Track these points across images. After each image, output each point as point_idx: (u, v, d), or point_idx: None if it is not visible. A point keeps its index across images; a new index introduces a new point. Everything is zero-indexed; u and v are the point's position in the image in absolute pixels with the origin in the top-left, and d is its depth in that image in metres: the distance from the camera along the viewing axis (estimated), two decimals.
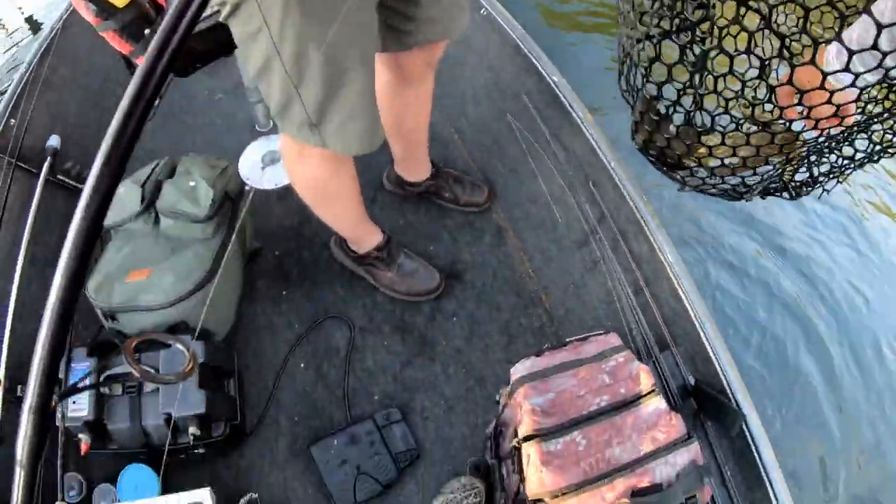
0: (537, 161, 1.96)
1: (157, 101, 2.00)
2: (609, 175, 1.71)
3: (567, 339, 1.32)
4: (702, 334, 1.42)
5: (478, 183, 2.06)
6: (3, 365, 1.44)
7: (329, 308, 1.86)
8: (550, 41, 2.22)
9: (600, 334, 1.31)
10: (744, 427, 1.29)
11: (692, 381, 1.40)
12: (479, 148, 2.19)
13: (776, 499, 1.24)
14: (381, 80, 1.57)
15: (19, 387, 1.46)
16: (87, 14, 1.52)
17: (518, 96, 2.04)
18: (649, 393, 1.19)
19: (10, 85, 1.94)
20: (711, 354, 1.38)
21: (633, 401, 1.18)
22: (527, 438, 1.14)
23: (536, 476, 1.09)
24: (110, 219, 1.61)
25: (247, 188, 1.92)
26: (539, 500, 1.10)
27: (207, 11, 1.59)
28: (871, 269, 2.58)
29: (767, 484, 1.25)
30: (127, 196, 1.62)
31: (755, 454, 1.28)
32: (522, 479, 1.14)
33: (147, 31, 1.58)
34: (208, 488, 1.24)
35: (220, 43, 1.71)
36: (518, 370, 1.25)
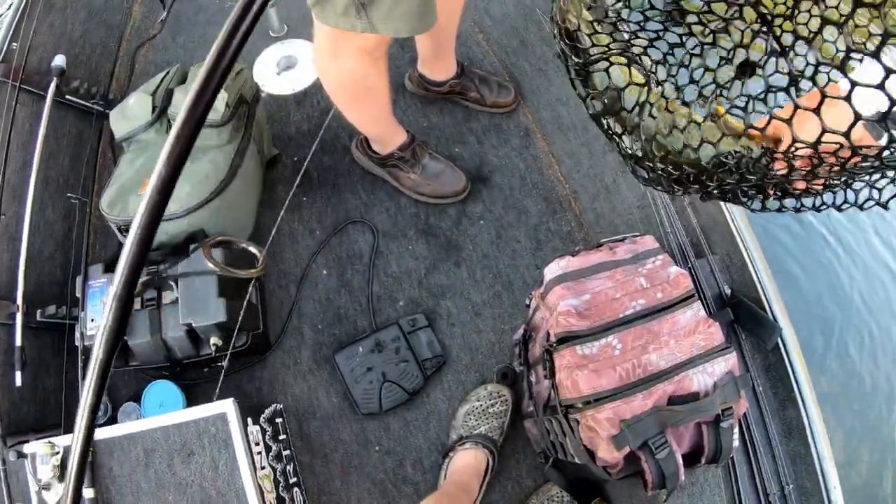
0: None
1: (165, 14, 1.88)
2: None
3: (602, 240, 1.25)
4: (740, 243, 1.35)
5: (504, 83, 1.95)
6: (21, 291, 1.41)
7: (351, 213, 1.80)
8: None
9: (637, 236, 1.24)
10: (779, 342, 1.24)
11: (728, 290, 1.34)
12: (505, 47, 2.06)
13: (807, 417, 1.20)
14: None
15: (38, 311, 1.45)
16: None
17: None
18: (687, 298, 1.12)
19: (10, 8, 1.84)
20: (749, 264, 1.32)
21: (670, 306, 1.12)
22: (560, 341, 1.09)
23: (570, 380, 1.05)
24: (122, 131, 1.55)
25: (263, 93, 1.83)
26: (571, 406, 1.06)
27: None
28: None
29: (800, 402, 1.22)
30: (138, 106, 1.55)
31: (789, 370, 1.24)
32: (554, 386, 1.11)
33: None
34: (231, 399, 1.22)
35: None
36: (552, 270, 1.19)
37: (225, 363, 1.32)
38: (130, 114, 1.55)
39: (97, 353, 0.45)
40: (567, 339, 1.08)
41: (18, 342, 1.36)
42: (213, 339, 1.30)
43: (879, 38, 0.56)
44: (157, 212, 0.43)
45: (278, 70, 2.03)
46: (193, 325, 1.32)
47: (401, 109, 1.97)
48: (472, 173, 1.85)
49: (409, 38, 1.88)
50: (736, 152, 0.76)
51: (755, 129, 0.72)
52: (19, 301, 1.41)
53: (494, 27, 2.11)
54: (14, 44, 1.73)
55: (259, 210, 1.76)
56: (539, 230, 1.77)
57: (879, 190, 0.78)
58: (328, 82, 1.49)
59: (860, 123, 0.57)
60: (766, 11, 0.72)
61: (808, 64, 0.73)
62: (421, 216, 1.80)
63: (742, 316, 1.32)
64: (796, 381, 1.22)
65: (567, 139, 1.85)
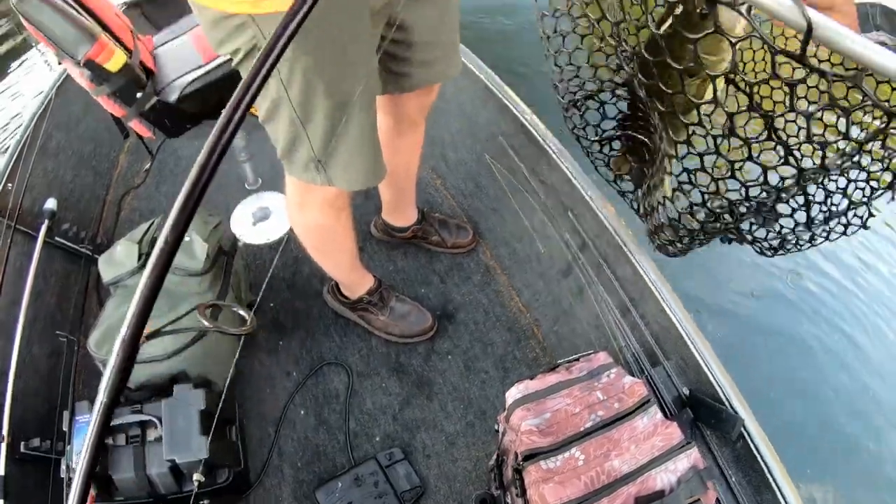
0: (518, 198, 2.03)
1: (149, 164, 2.06)
2: (587, 204, 1.77)
3: (558, 362, 1.36)
4: (691, 346, 1.45)
5: (462, 224, 2.12)
6: (6, 422, 1.45)
7: (325, 355, 1.89)
8: (519, 80, 2.31)
9: (590, 353, 1.35)
10: (743, 431, 1.32)
11: (686, 391, 1.43)
12: (461, 190, 2.26)
13: (784, 499, 1.25)
14: (379, 127, 1.65)
15: (22, 443, 1.47)
16: (82, 80, 1.60)
17: (494, 137, 2.12)
18: (644, 404, 1.22)
19: (7, 150, 2.00)
20: (703, 364, 1.42)
21: (627, 413, 1.21)
22: (526, 458, 1.16)
23: (538, 494, 1.11)
24: (109, 275, 1.65)
25: (240, 243, 1.97)
26: None
27: (220, 59, 1.67)
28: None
29: (774, 486, 1.27)
30: (125, 254, 1.66)
31: (758, 457, 1.29)
32: (526, 502, 1.16)
33: (139, 95, 1.67)
34: None
35: (209, 105, 1.80)
36: (512, 394, 1.28)
37: (206, 502, 1.35)
38: (118, 260, 1.67)
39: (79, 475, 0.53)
40: (532, 456, 1.15)
41: (1, 471, 1.38)
42: (196, 476, 1.34)
43: None
44: (133, 340, 0.53)
45: (254, 221, 2.19)
46: (177, 461, 1.36)
47: (368, 255, 2.11)
48: (438, 311, 1.97)
49: (373, 189, 2.07)
50: None
51: None
52: (4, 432, 1.43)
53: (450, 173, 2.32)
54: (9, 184, 1.86)
55: (238, 354, 1.83)
56: (506, 359, 1.87)
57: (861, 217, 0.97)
58: (298, 231, 1.63)
59: None
60: None
61: None
62: (392, 355, 1.89)
63: (702, 413, 1.40)
64: (767, 467, 1.28)
65: (524, 271, 2.00)
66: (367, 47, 1.23)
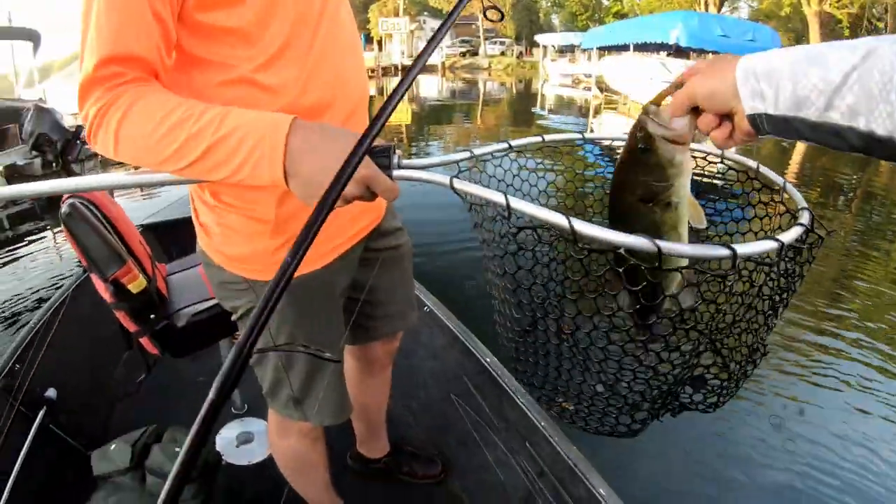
0: (481, 433, 2.24)
1: (143, 376, 2.30)
2: (542, 434, 1.99)
3: None
4: None
5: (432, 457, 2.29)
6: None
7: None
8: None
9: None
10: None
11: None
12: (431, 426, 2.47)
13: None
14: (350, 369, 1.96)
15: None
16: (105, 293, 1.88)
17: (460, 378, 2.40)
18: None
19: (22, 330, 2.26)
20: None
21: None
22: None
23: None
24: (101, 469, 1.80)
25: (223, 462, 2.11)
26: None
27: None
28: None
29: None
30: (118, 454, 1.83)
31: None
32: None
33: (152, 316, 1.95)
34: None
35: (213, 334, 2.08)
36: None
37: None
38: (111, 457, 1.82)
39: None
40: None
41: None
42: None
43: None
44: None
45: (237, 443, 2.34)
46: None
47: (345, 484, 2.23)
48: None
49: (348, 423, 2.28)
50: None
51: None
52: None
53: (421, 410, 2.56)
54: (17, 365, 2.05)
55: None
56: None
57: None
58: (277, 457, 1.81)
59: None
60: None
61: None
62: None
63: None
64: None
65: (490, 500, 2.13)
66: (337, 311, 1.54)
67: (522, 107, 22.07)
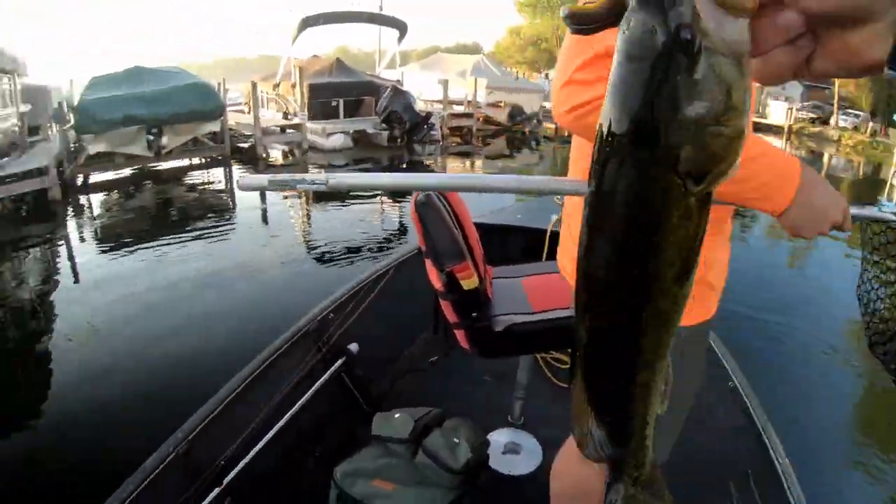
0: None
1: (436, 358, 2.41)
2: None
3: None
4: None
5: None
6: None
7: None
8: None
9: None
10: None
11: None
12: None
13: None
14: None
15: None
16: (437, 281, 1.97)
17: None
18: None
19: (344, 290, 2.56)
20: None
21: None
22: None
23: None
24: (379, 430, 1.94)
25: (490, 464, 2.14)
26: None
27: (550, 315, 1.98)
28: None
29: None
30: (401, 423, 1.95)
31: None
32: None
33: (474, 314, 2.01)
34: None
35: (526, 346, 2.10)
36: None
37: None
38: (394, 425, 1.95)
39: None
40: None
41: None
42: None
43: None
44: None
45: (504, 451, 2.39)
46: None
47: None
48: None
49: None
50: None
51: None
52: None
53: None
54: (331, 314, 2.31)
55: None
56: None
57: None
58: (562, 481, 1.64)
59: None
60: None
61: None
62: None
63: None
64: None
65: None
66: None
67: (865, 194, 19.47)
